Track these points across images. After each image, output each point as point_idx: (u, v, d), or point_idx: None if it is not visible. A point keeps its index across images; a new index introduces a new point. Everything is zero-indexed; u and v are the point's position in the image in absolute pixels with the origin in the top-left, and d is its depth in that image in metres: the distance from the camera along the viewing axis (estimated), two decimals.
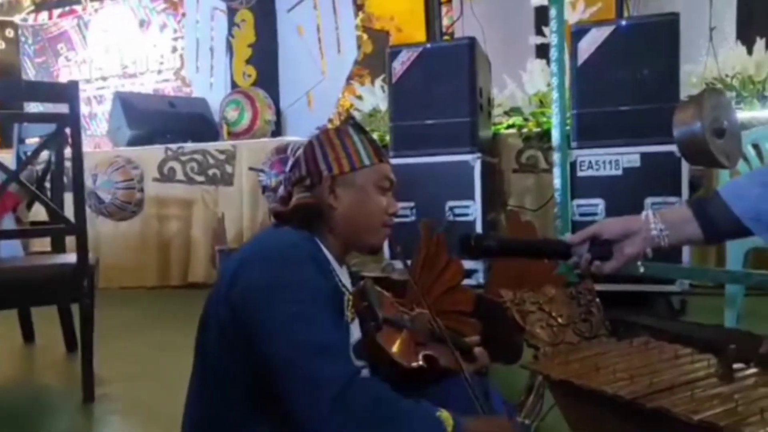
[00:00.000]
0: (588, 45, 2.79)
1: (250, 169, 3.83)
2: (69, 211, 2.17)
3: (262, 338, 0.84)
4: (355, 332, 1.01)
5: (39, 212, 3.26)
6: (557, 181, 2.69)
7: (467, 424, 0.87)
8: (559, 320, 1.43)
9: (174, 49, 6.05)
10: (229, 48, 5.22)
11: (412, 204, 2.82)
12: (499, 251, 0.95)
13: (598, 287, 1.46)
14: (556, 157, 2.74)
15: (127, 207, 4.37)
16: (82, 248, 2.08)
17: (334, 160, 0.99)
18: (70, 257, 2.22)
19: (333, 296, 0.92)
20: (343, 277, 1.02)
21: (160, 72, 6.10)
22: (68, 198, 2.30)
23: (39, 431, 1.95)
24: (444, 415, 0.86)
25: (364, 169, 1.00)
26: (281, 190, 1.03)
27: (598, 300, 1.45)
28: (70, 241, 2.28)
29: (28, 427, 1.99)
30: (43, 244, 3.19)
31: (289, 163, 1.04)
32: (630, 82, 2.76)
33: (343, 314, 0.96)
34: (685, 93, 2.84)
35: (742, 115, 3.02)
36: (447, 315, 1.53)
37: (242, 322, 0.87)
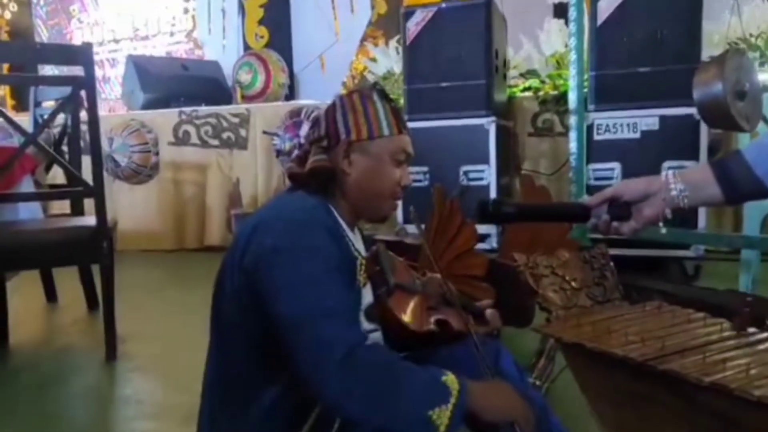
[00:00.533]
0: (608, 4, 2.72)
1: (264, 132, 3.78)
2: (87, 175, 2.18)
3: (272, 300, 0.84)
4: (368, 296, 1.01)
5: (57, 175, 3.30)
6: (573, 145, 2.65)
7: (473, 387, 0.87)
8: (573, 284, 1.45)
9: (186, 11, 5.99)
10: (241, 8, 5.14)
11: (426, 168, 2.78)
12: (517, 216, 0.93)
13: (612, 251, 1.45)
14: (572, 120, 2.69)
15: (143, 170, 4.38)
16: (100, 210, 2.09)
17: (353, 125, 0.97)
18: (89, 219, 2.25)
19: (345, 263, 0.91)
20: (357, 242, 1.01)
21: (172, 34, 6.05)
22: (86, 161, 2.30)
23: (63, 388, 2.00)
24: (449, 379, 0.86)
25: (383, 139, 0.98)
26: (297, 151, 1.09)
27: (611, 264, 1.44)
28: (89, 204, 2.29)
29: (53, 384, 2.03)
30: (62, 207, 3.20)
31: (306, 124, 1.08)
32: (650, 43, 2.69)
33: (355, 279, 0.95)
34: (706, 54, 2.75)
35: (765, 76, 2.93)
36: (460, 279, 1.52)
37: (254, 285, 0.87)
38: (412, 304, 1.04)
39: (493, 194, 2.69)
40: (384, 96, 0.99)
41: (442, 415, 0.82)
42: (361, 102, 0.98)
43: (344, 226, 0.98)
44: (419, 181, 2.76)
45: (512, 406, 0.89)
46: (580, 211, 0.92)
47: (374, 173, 0.97)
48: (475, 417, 0.86)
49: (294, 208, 0.91)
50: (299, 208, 0.91)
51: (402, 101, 3.08)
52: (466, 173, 2.72)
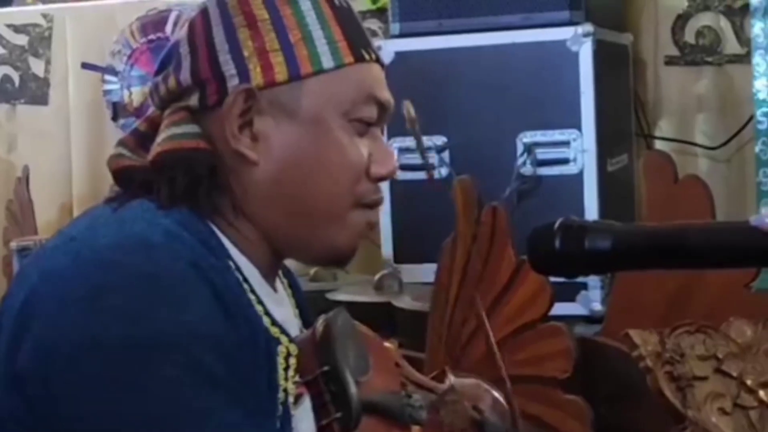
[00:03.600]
0: None
1: (85, 66, 2.28)
2: None
3: None
4: (304, 423, 0.70)
5: None
6: (763, 83, 1.70)
7: None
8: (763, 396, 1.03)
9: None
10: None
11: (442, 140, 1.66)
12: (632, 258, 0.57)
13: None
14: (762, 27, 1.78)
15: None
16: None
17: (253, 54, 0.67)
18: None
19: (246, 360, 0.61)
20: (275, 307, 0.69)
21: None
22: None
23: None
24: None
25: (321, 77, 0.67)
26: (150, 111, 0.73)
27: None
28: None
29: None
30: None
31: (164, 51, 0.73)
32: None
33: (272, 394, 0.65)
34: None
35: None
36: (514, 388, 1.03)
37: (38, 416, 0.58)
38: None
39: (589, 192, 1.65)
40: None
41: None
42: (266, 1, 0.69)
43: (246, 273, 0.67)
44: (426, 167, 1.79)
45: None
46: (759, 241, 0.56)
47: (311, 154, 0.68)
48: None
49: (128, 237, 0.61)
50: (139, 239, 0.60)
51: None
52: (528, 148, 1.65)
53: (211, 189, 0.67)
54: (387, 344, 0.86)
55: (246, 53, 0.67)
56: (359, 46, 0.69)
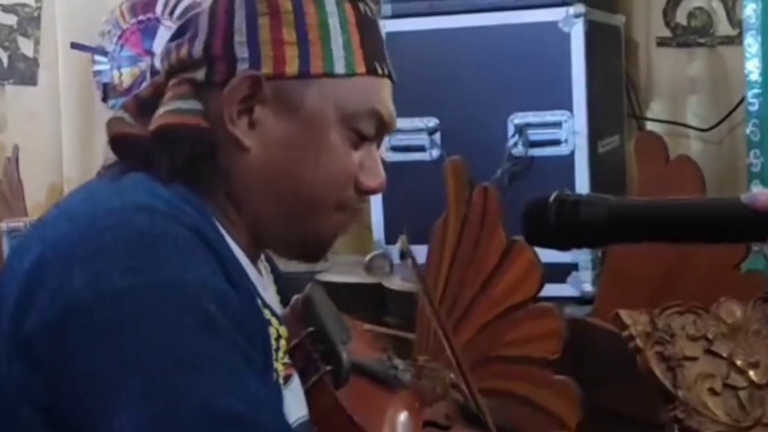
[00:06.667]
0: None
1: (75, 46, 2.30)
2: None
3: (104, 413, 0.54)
4: (294, 404, 0.70)
5: None
6: (754, 65, 1.68)
7: None
8: (752, 375, 1.03)
9: None
10: None
11: (433, 121, 1.64)
12: (627, 231, 0.59)
13: None
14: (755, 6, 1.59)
15: None
16: None
17: (269, 43, 0.66)
18: None
19: (252, 329, 0.60)
20: (263, 291, 0.69)
21: None
22: None
23: None
24: None
25: (331, 81, 0.67)
26: (144, 84, 0.78)
27: None
28: None
29: None
30: None
31: (167, 26, 0.90)
32: None
33: (269, 368, 0.64)
34: None
35: None
36: (505, 366, 1.08)
37: (51, 378, 0.57)
38: (387, 413, 0.78)
39: (580, 173, 1.66)
40: None
41: None
42: None
43: (237, 251, 0.66)
44: (419, 148, 1.99)
45: None
46: (747, 218, 0.58)
47: (304, 152, 0.68)
48: None
49: (130, 203, 0.60)
50: (142, 205, 0.60)
51: None
52: (520, 130, 1.65)
53: (208, 168, 0.66)
54: (362, 327, 0.88)
55: (262, 40, 0.67)
56: (374, 58, 0.68)
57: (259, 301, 0.66)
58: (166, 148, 0.65)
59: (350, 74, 0.68)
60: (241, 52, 0.66)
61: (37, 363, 0.58)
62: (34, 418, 0.58)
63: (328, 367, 0.71)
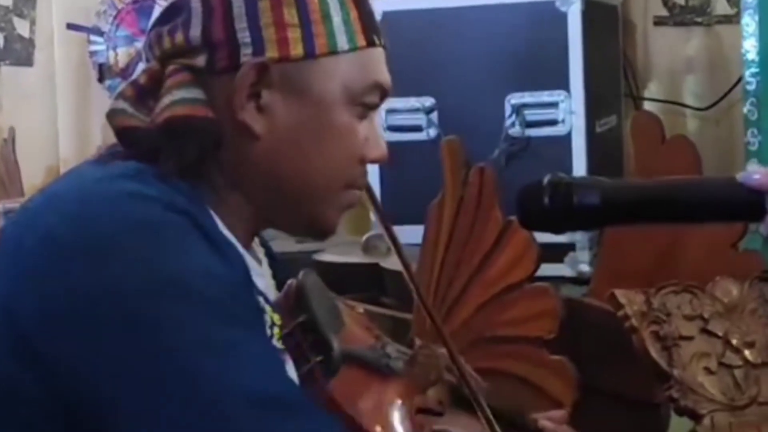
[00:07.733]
0: None
1: (71, 27, 2.34)
2: None
3: (126, 413, 0.54)
4: None
5: None
6: (751, 44, 1.55)
7: None
8: (748, 355, 1.05)
9: None
10: None
11: (430, 101, 1.64)
12: (620, 212, 0.60)
13: None
14: None
15: None
16: None
17: (271, 25, 0.65)
18: None
19: (249, 300, 0.62)
20: (257, 278, 0.68)
21: None
22: None
23: None
24: None
25: (334, 58, 0.67)
26: (139, 70, 0.72)
27: None
28: None
29: None
30: None
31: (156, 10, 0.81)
32: None
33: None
34: None
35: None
36: (500, 347, 1.09)
37: (50, 371, 0.56)
38: (379, 402, 0.77)
39: (578, 153, 1.66)
40: None
41: None
42: None
43: (232, 240, 0.66)
44: (415, 128, 1.62)
45: None
46: (744, 198, 0.59)
47: (313, 134, 0.68)
48: None
49: (120, 192, 0.59)
50: (134, 193, 0.59)
51: None
52: (517, 110, 1.66)
53: (206, 162, 0.66)
54: (362, 309, 0.87)
55: (263, 23, 0.66)
56: (371, 30, 0.69)
57: (253, 287, 0.66)
58: (176, 142, 0.64)
59: (353, 49, 0.67)
60: (243, 36, 0.65)
61: (34, 358, 0.57)
62: (21, 412, 0.58)
63: (319, 358, 0.72)
